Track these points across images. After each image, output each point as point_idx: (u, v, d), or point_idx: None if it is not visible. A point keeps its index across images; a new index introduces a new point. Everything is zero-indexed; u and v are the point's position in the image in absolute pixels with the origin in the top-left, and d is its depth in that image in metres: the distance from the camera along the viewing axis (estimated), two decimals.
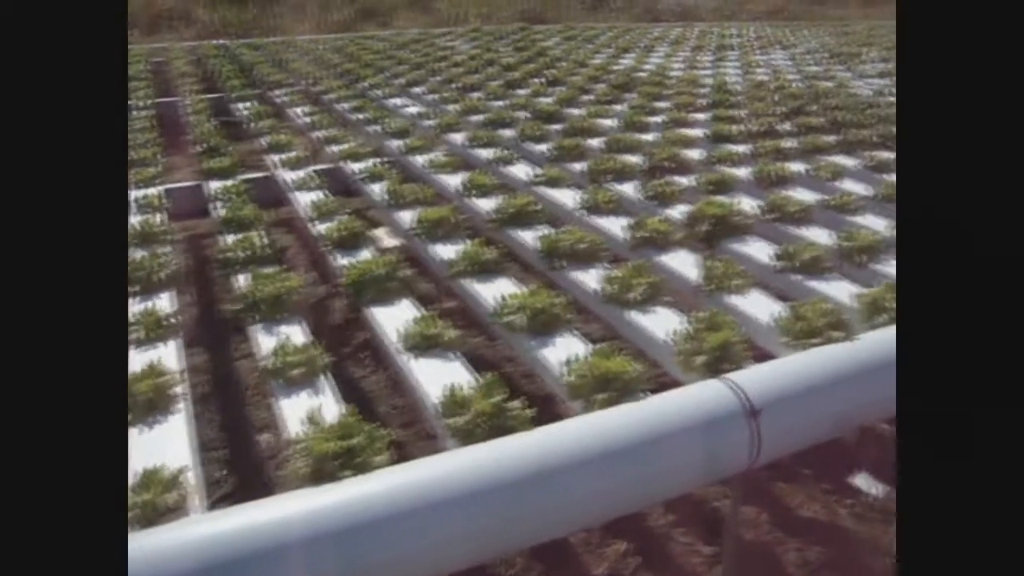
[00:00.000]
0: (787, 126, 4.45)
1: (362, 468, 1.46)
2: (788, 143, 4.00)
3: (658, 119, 4.56)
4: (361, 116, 4.80)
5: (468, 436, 1.58)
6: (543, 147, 3.93)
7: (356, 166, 3.67)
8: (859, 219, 2.88)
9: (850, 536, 2.76)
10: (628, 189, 3.20)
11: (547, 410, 2.02)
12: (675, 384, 1.74)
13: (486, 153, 3.89)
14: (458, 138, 4.27)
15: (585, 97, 5.41)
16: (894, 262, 2.46)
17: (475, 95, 5.56)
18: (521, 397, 1.69)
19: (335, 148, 4.01)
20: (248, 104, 5.14)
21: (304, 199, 3.18)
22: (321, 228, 2.80)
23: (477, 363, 3.24)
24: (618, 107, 5.05)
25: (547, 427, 1.50)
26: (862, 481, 2.99)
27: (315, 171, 3.58)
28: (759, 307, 2.11)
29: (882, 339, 1.87)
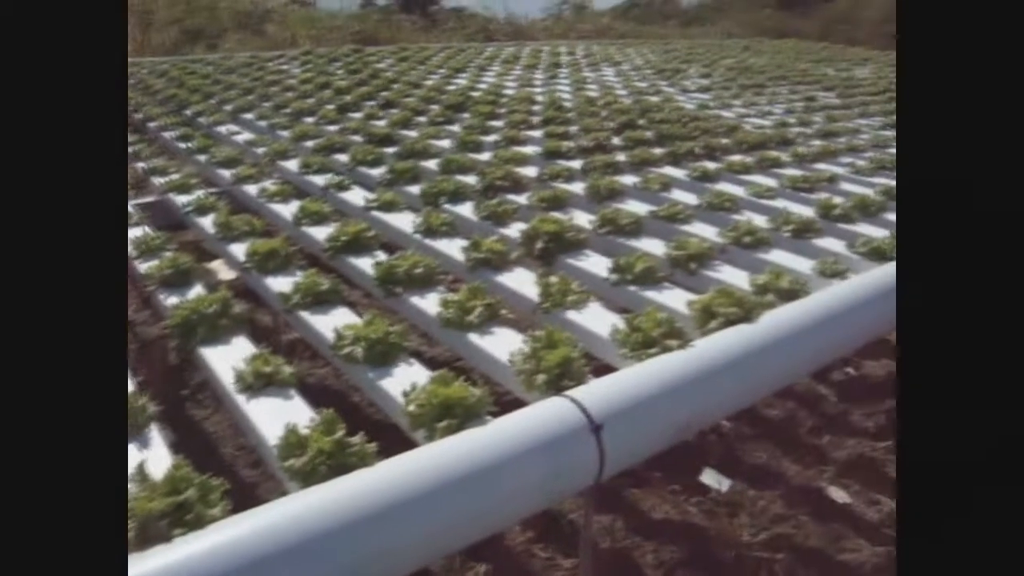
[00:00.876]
0: (617, 140, 4.59)
1: (194, 524, 1.37)
2: (619, 157, 4.12)
3: (492, 138, 4.60)
4: (188, 145, 4.59)
5: (309, 477, 1.51)
6: (378, 171, 3.88)
7: (183, 198, 3.49)
8: (688, 228, 2.99)
9: (701, 532, 2.84)
10: (464, 210, 3.20)
11: (394, 439, 1.97)
12: (519, 405, 1.73)
13: (320, 180, 3.80)
14: (291, 165, 4.15)
15: (419, 119, 5.40)
16: (723, 267, 2.56)
17: (308, 120, 5.44)
18: (362, 432, 1.64)
19: (160, 179, 3.81)
20: None
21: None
22: (146, 266, 2.64)
23: (324, 395, 3.16)
24: (452, 127, 5.06)
25: (389, 461, 1.46)
26: (709, 478, 3.09)
27: (138, 204, 3.39)
28: (597, 321, 2.14)
29: (716, 343, 1.93)
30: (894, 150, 4.71)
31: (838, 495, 3.09)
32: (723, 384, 1.87)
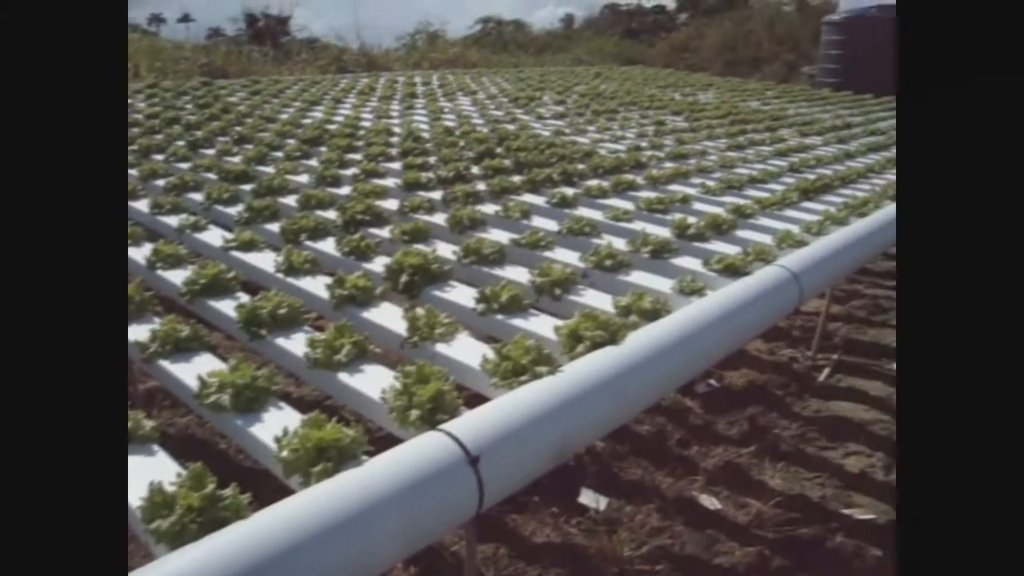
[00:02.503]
0: (476, 170, 4.63)
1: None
2: (479, 186, 4.17)
3: (351, 171, 4.56)
4: None
5: (178, 538, 1.44)
6: (235, 209, 3.77)
7: None
8: (551, 254, 3.04)
9: (583, 552, 2.88)
10: (326, 246, 3.15)
11: (268, 486, 1.91)
12: (395, 442, 1.71)
13: (173, 220, 3.66)
14: (140, 206, 3.98)
15: (275, 153, 5.29)
16: (587, 291, 2.62)
17: (157, 157, 5.23)
18: (235, 483, 1.58)
19: None
20: None
21: None
22: None
23: (189, 445, 3.03)
24: (310, 162, 4.98)
25: (265, 512, 1.41)
26: (586, 497, 3.14)
27: None
28: (466, 352, 2.14)
29: (585, 366, 1.97)
30: (741, 170, 4.96)
31: (709, 502, 3.20)
32: (595, 406, 1.91)
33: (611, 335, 2.11)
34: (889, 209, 4.06)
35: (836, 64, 14.32)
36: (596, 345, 2.08)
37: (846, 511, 3.19)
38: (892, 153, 6.20)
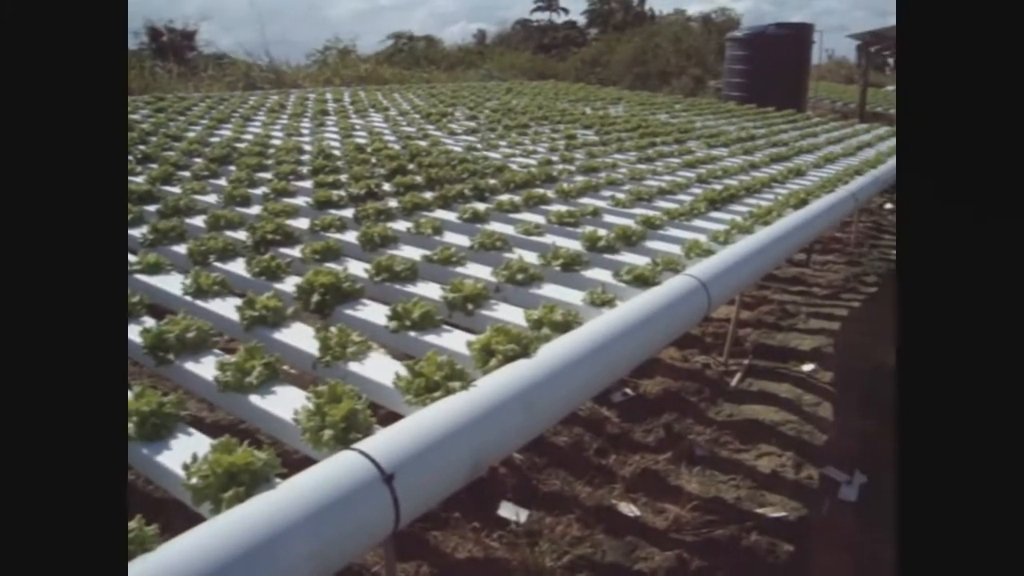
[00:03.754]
0: (388, 187, 4.62)
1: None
2: (390, 203, 4.15)
3: (261, 191, 4.49)
4: None
5: None
6: (139, 231, 3.67)
7: None
8: (463, 269, 3.06)
9: (505, 565, 2.89)
10: (235, 267, 3.10)
11: (177, 516, 1.86)
12: (310, 463, 1.70)
13: None
14: None
15: (182, 173, 5.16)
16: (499, 306, 2.64)
17: None
18: (140, 515, 1.54)
19: None
20: None
21: None
22: None
23: None
24: (218, 181, 4.89)
25: (172, 543, 1.38)
26: (506, 510, 3.15)
27: None
28: (379, 370, 2.13)
29: (498, 380, 1.98)
30: (651, 182, 5.07)
31: (628, 510, 3.25)
32: (509, 419, 1.93)
33: (523, 348, 2.13)
34: (792, 217, 4.20)
35: (740, 78, 14.77)
36: (508, 359, 2.10)
37: (759, 510, 3.28)
38: (794, 163, 6.43)
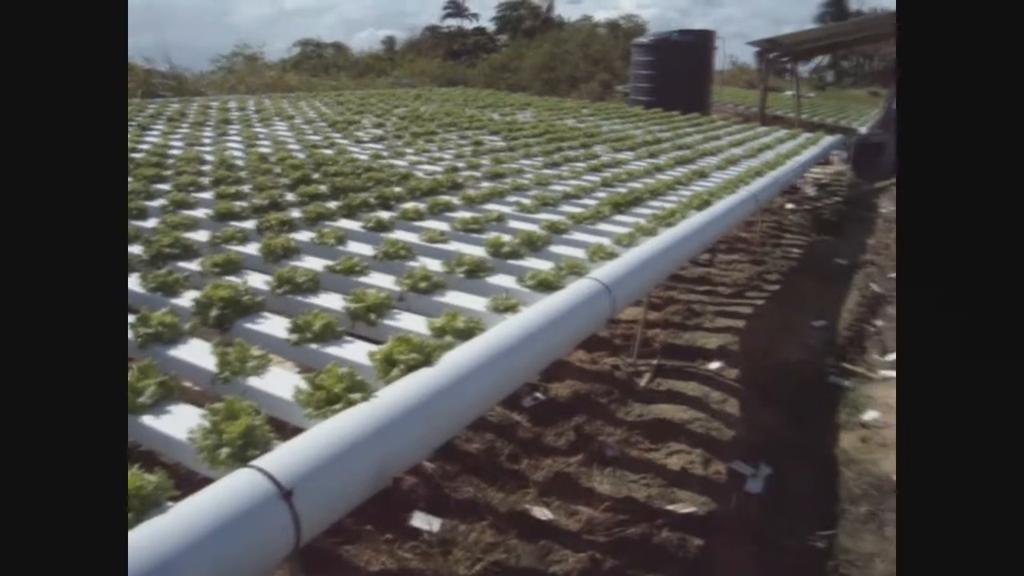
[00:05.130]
0: (292, 197, 4.54)
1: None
2: (293, 213, 4.08)
3: (158, 203, 4.35)
4: None
5: None
6: None
7: None
8: (366, 279, 3.03)
9: (418, 575, 2.87)
10: (130, 283, 3.00)
11: None
12: (205, 483, 1.65)
13: None
14: None
15: None
16: (402, 315, 2.63)
17: None
18: None
19: None
20: None
21: None
22: None
23: None
24: None
25: None
26: (419, 520, 3.13)
27: None
28: (279, 384, 2.10)
29: (400, 390, 1.97)
30: (556, 187, 5.12)
31: (541, 513, 3.26)
32: (411, 429, 1.91)
33: (426, 357, 2.12)
34: (695, 219, 4.30)
35: (647, 83, 15.04)
36: (411, 368, 2.09)
37: (669, 507, 3.34)
38: (698, 166, 6.58)
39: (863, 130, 19.75)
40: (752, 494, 3.48)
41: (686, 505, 3.35)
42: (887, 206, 10.85)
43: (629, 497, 3.40)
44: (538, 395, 4.20)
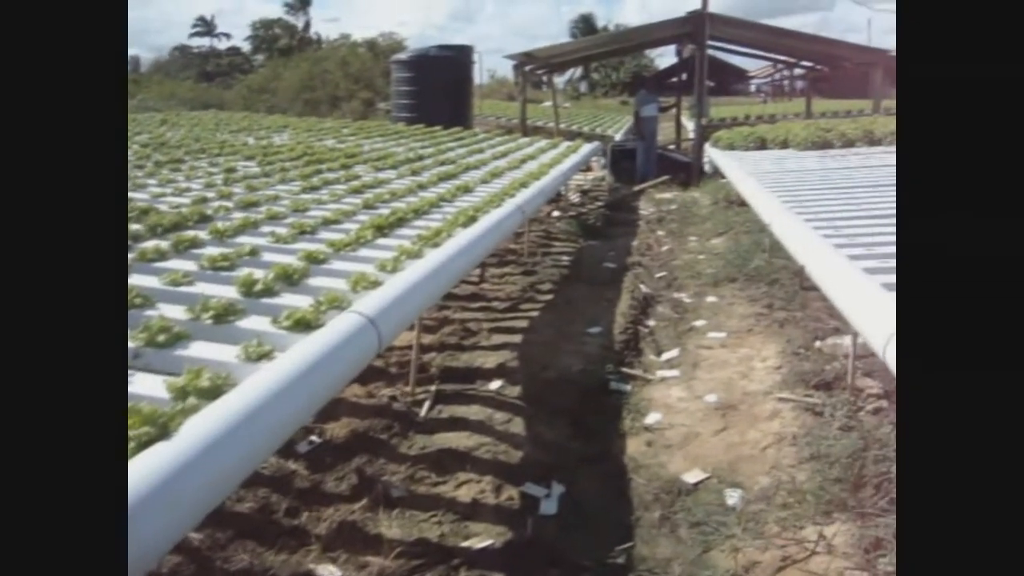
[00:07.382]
0: None
1: None
2: None
3: None
4: None
5: None
6: None
7: None
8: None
9: None
10: None
11: None
12: None
13: None
14: None
15: None
16: (136, 376, 2.27)
17: None
18: None
19: None
20: None
21: None
22: None
23: None
24: None
25: None
26: None
27: None
28: None
29: (131, 475, 1.65)
30: (315, 212, 4.82)
31: (327, 571, 3.00)
32: (149, 523, 1.60)
33: (161, 429, 1.81)
34: (462, 236, 4.17)
35: (408, 99, 14.97)
36: (143, 445, 1.76)
37: (465, 544, 3.18)
38: (462, 180, 6.50)
39: (618, 137, 20.81)
40: (548, 516, 3.38)
41: (481, 539, 3.20)
42: (645, 208, 11.41)
43: (421, 539, 3.20)
44: (313, 438, 3.90)
